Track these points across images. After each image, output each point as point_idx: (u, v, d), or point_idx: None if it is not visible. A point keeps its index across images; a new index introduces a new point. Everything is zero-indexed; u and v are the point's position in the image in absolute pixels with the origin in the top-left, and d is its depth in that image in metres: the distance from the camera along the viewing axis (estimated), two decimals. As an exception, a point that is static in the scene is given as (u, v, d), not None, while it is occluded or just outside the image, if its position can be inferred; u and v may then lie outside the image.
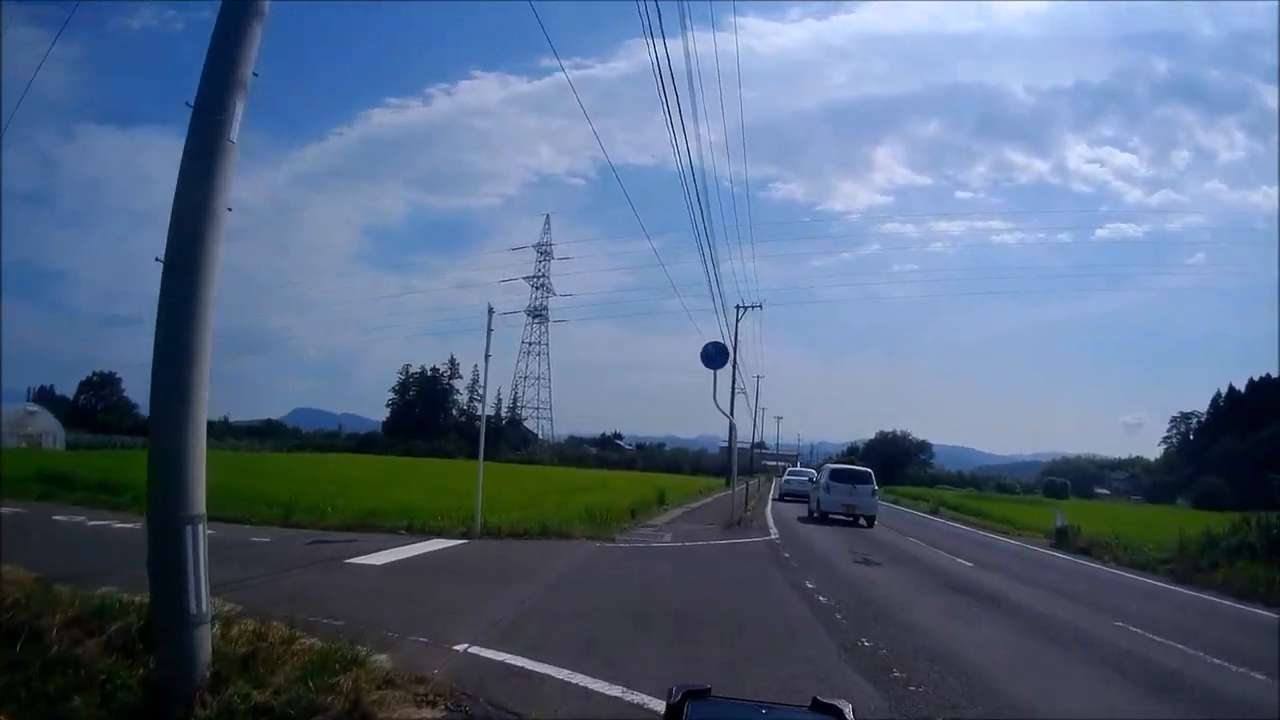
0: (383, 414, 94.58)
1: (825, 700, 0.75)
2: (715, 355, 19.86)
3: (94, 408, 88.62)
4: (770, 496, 38.74)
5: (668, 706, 0.71)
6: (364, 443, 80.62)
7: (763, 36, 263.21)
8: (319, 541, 11.57)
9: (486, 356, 14.58)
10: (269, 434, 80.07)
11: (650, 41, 9.52)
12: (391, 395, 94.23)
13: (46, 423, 56.51)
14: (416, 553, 11.20)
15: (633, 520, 18.97)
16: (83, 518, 13.19)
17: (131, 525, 11.05)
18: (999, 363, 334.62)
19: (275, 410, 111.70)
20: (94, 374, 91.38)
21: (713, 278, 24.33)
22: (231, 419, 75.62)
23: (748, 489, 28.94)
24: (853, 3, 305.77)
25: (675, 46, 47.51)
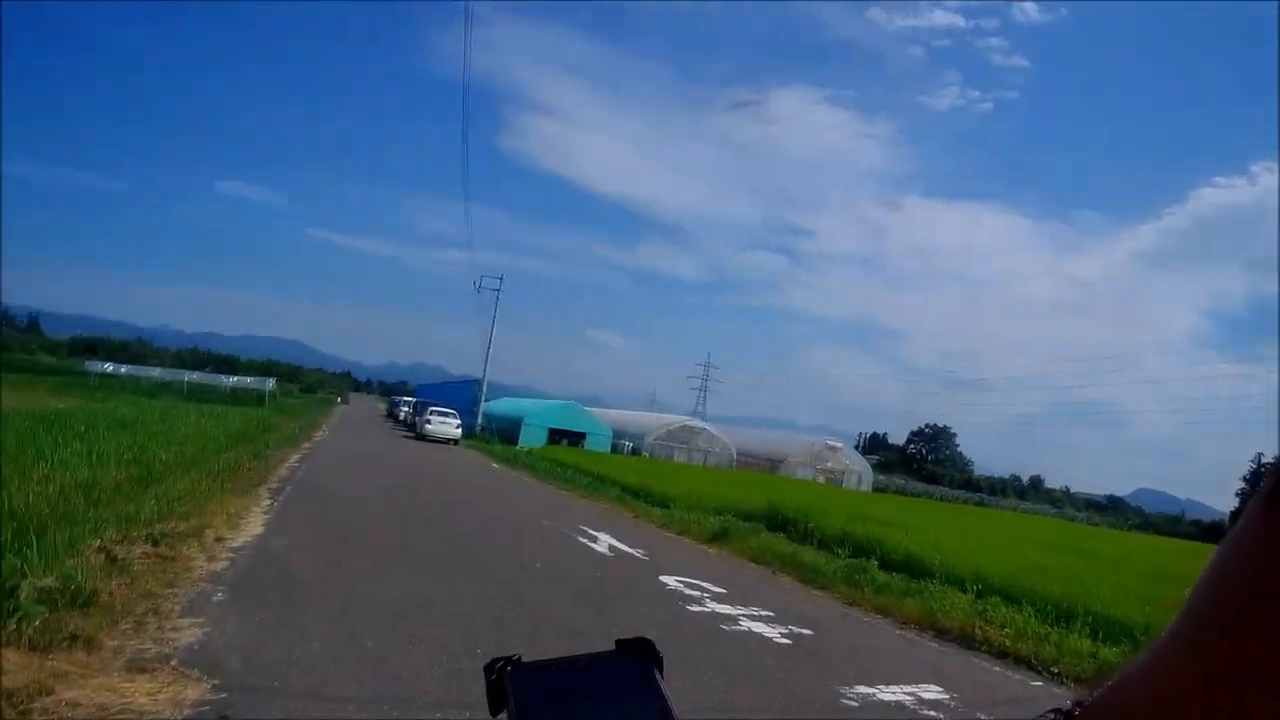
0: (1230, 503, 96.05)
1: (626, 639, 0.70)
2: None
3: (924, 457, 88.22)
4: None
5: (489, 683, 0.67)
6: (1207, 531, 73.89)
7: None
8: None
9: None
10: (1109, 509, 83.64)
11: None
12: (1241, 485, 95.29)
13: (850, 460, 53.67)
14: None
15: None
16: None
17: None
18: None
19: (1118, 486, 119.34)
20: (926, 425, 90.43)
21: None
22: (1072, 489, 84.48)
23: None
24: None
25: None
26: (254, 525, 9.55)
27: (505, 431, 39.22)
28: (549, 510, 16.65)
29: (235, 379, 52.85)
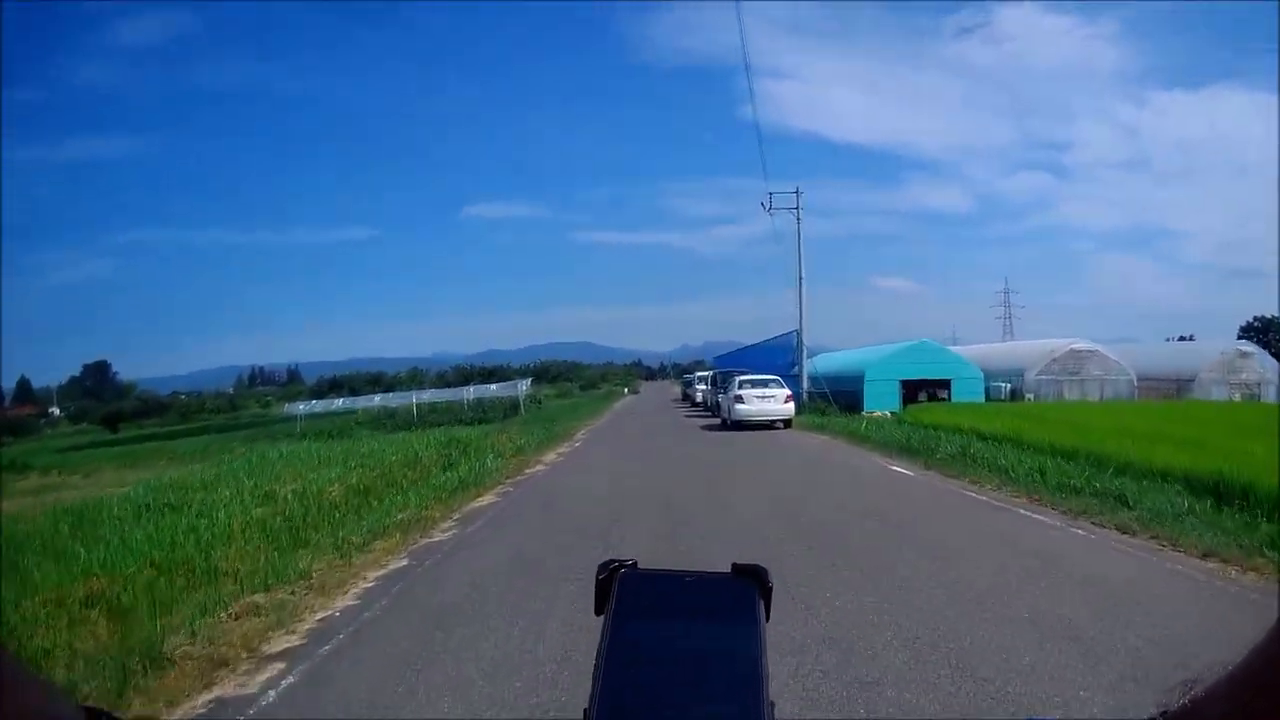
0: None
1: (743, 564, 0.71)
2: None
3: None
4: None
5: (598, 581, 0.69)
6: None
7: None
8: None
9: None
10: None
11: None
12: None
13: (1265, 368, 47.92)
14: None
15: None
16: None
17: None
18: None
19: None
20: (1255, 319, 77.87)
21: None
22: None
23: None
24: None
25: None
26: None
27: (840, 397, 27.58)
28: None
29: (475, 388, 44.12)
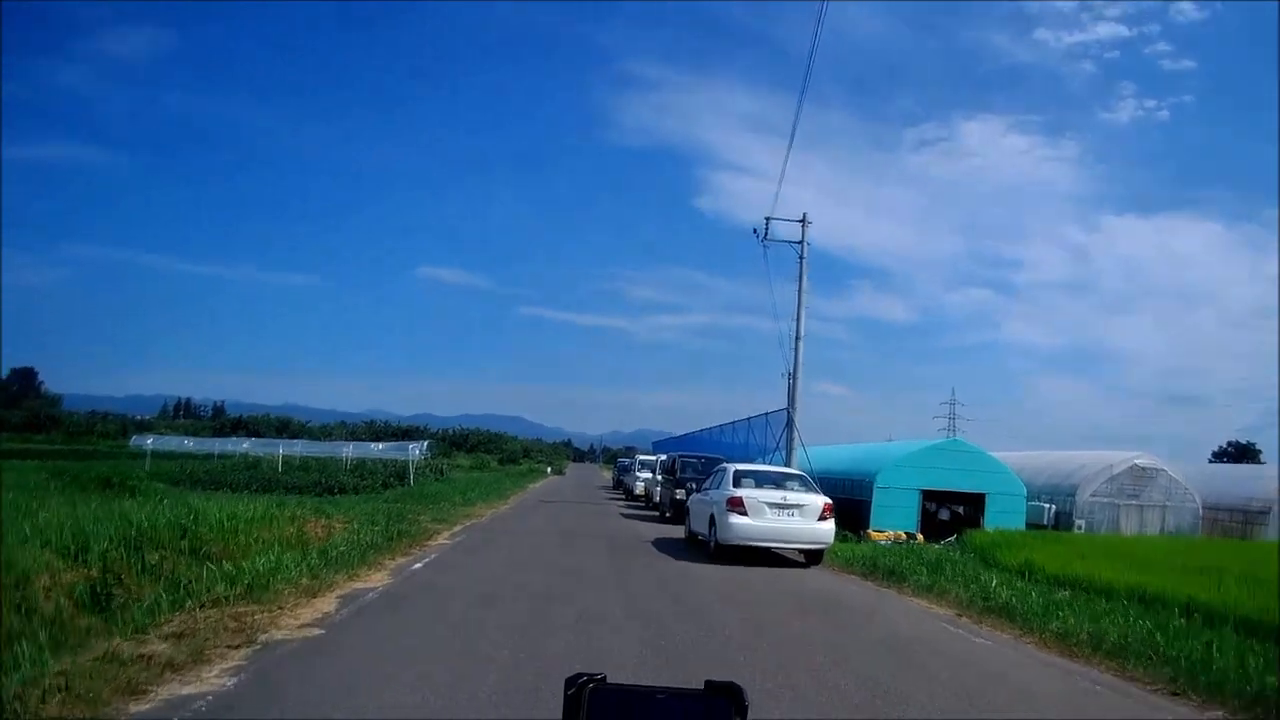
0: None
1: (718, 681, 0.72)
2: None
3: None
4: None
5: (566, 697, 0.68)
6: None
7: None
8: None
9: None
10: None
11: None
12: None
13: None
14: None
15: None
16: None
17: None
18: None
19: None
20: (1229, 444, 78.60)
21: None
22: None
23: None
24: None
25: None
26: None
27: (836, 507, 19.24)
28: None
29: (355, 446, 34.52)
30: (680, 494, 17.98)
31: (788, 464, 18.89)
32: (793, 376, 19.46)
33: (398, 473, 28.26)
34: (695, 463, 20.20)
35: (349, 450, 32.36)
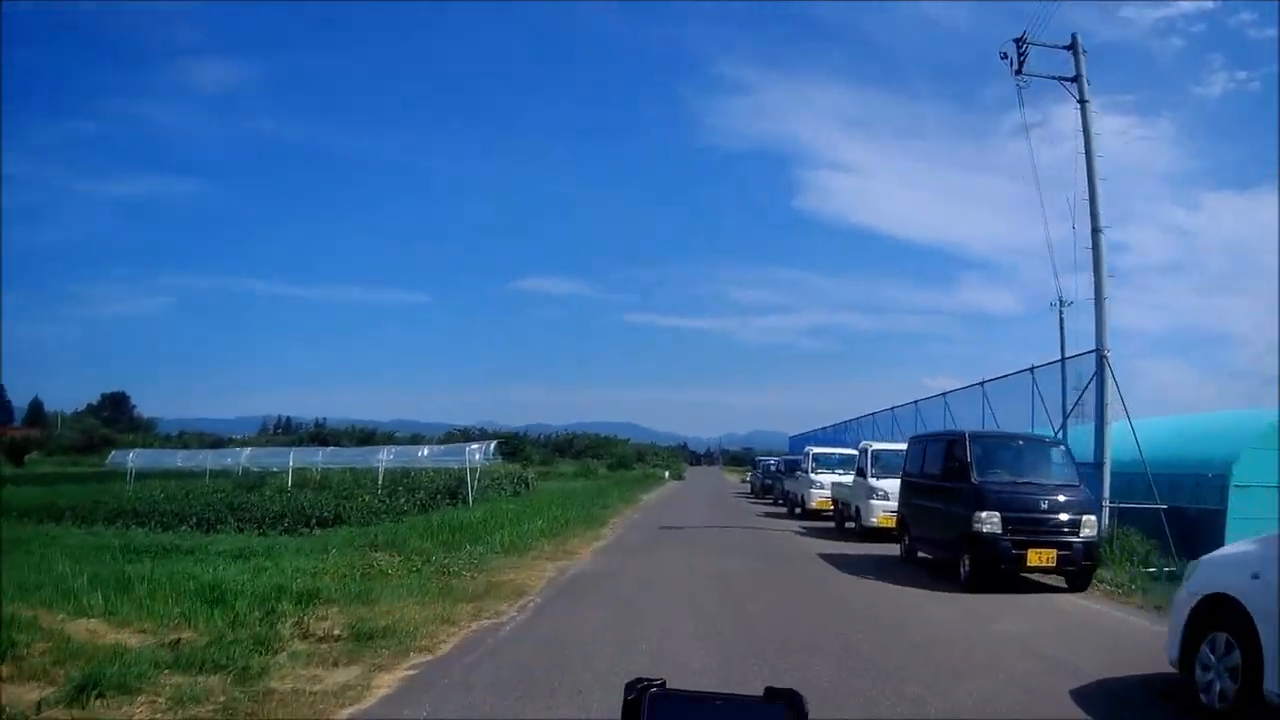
0: None
1: (777, 688, 0.71)
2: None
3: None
4: None
5: (625, 702, 0.69)
6: None
7: None
8: None
9: None
10: None
11: None
12: None
13: None
14: None
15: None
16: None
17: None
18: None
19: None
20: None
21: None
22: None
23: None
24: None
25: None
26: None
27: (1153, 515, 10.56)
28: None
29: (388, 451, 26.41)
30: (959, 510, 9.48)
31: (1100, 440, 10.33)
32: (1099, 292, 10.86)
33: (449, 488, 20.74)
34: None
35: (385, 457, 25.34)
